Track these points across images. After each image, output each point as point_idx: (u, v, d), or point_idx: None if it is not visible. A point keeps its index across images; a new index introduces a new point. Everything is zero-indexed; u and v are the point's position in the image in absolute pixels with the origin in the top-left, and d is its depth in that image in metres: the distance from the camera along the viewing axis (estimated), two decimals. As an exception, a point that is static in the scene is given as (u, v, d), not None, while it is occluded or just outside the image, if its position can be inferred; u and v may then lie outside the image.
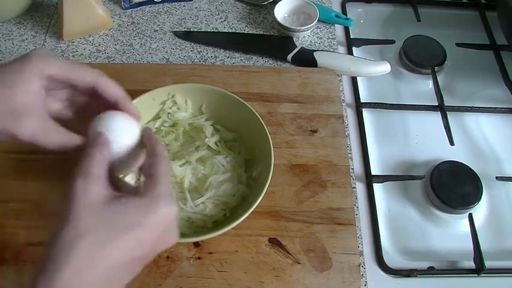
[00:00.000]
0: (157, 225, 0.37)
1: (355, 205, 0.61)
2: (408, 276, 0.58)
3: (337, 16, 0.82)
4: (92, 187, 0.37)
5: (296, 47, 0.77)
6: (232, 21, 0.83)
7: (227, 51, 0.78)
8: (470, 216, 0.62)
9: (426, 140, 0.72)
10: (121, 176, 0.47)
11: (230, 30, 0.81)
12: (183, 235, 0.53)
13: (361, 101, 0.73)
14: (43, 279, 0.32)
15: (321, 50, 0.76)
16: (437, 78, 0.76)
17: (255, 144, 0.59)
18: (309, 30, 0.79)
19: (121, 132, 0.42)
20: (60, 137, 0.42)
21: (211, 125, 0.62)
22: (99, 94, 0.43)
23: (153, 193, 0.38)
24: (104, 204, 0.36)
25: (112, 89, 0.43)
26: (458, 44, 0.83)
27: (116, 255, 0.34)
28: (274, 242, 0.56)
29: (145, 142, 0.43)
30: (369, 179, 0.65)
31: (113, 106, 0.43)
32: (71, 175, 0.38)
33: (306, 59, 0.75)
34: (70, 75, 0.42)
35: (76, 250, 0.33)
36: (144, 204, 0.37)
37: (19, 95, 0.39)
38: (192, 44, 0.79)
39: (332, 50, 0.79)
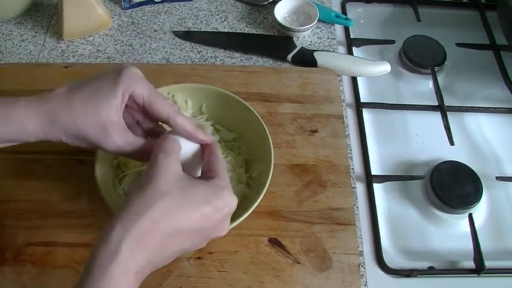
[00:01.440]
0: (221, 209, 0.41)
1: (355, 205, 0.61)
2: (408, 276, 0.58)
3: (337, 16, 0.82)
4: (171, 160, 0.41)
5: (296, 47, 0.77)
6: (232, 21, 0.83)
7: (227, 51, 0.78)
8: (470, 216, 0.62)
9: (426, 140, 0.72)
10: None
11: (230, 30, 0.81)
12: (183, 235, 0.53)
13: (361, 101, 0.73)
14: (121, 225, 0.36)
15: (321, 50, 0.76)
16: (437, 78, 0.76)
17: (255, 144, 0.59)
18: (309, 30, 0.79)
19: (184, 150, 0.46)
20: (142, 145, 0.46)
21: (211, 125, 0.62)
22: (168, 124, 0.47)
23: (219, 183, 0.42)
24: (181, 176, 0.41)
25: (182, 125, 0.46)
26: (458, 44, 0.83)
27: (186, 219, 0.39)
28: (274, 242, 0.56)
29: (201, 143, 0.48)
30: (369, 179, 0.65)
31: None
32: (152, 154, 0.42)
33: (306, 59, 0.75)
34: (152, 102, 0.46)
35: (155, 205, 0.38)
36: (213, 188, 0.42)
37: (109, 112, 0.43)
38: (192, 44, 0.79)
39: (332, 50, 0.79)
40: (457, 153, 0.69)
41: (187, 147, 0.47)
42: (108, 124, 0.43)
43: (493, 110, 0.75)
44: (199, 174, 0.48)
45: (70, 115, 0.43)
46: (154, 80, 0.68)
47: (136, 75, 0.45)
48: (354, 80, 0.76)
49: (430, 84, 0.78)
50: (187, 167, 0.45)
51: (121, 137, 0.44)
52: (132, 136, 0.46)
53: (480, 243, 0.59)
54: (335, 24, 0.83)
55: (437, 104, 0.73)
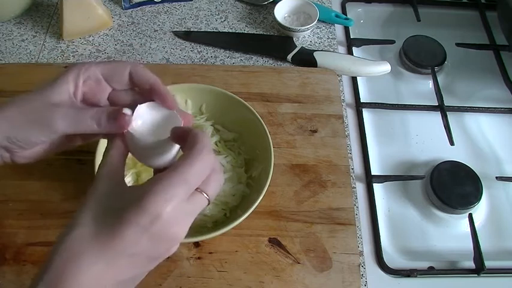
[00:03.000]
0: (147, 227, 0.34)
1: (355, 205, 0.61)
2: (408, 276, 0.58)
3: (337, 16, 0.82)
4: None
5: (296, 47, 0.77)
6: (232, 21, 0.83)
7: (227, 51, 0.78)
8: (470, 216, 0.62)
9: (426, 140, 0.72)
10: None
11: (230, 30, 0.81)
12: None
13: (361, 101, 0.73)
14: None
15: (321, 50, 0.76)
16: (437, 78, 0.76)
17: (255, 144, 0.59)
18: (309, 30, 0.79)
19: (156, 122, 0.42)
20: (92, 121, 0.41)
21: (211, 125, 0.62)
22: (136, 83, 0.44)
23: (147, 187, 0.36)
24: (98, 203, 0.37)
25: (146, 73, 0.43)
26: (458, 44, 0.83)
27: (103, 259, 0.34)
28: (274, 242, 0.56)
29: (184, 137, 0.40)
30: (369, 179, 0.65)
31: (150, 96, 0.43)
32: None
33: (306, 59, 0.75)
34: (107, 68, 0.43)
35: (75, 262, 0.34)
36: (135, 197, 0.34)
37: (55, 96, 0.42)
38: (192, 44, 0.79)
39: (332, 50, 0.79)
40: (457, 153, 0.69)
41: (160, 121, 0.42)
42: (56, 105, 0.42)
43: (493, 110, 0.75)
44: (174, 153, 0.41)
45: (12, 104, 0.42)
46: (154, 80, 0.69)
47: (82, 63, 0.44)
48: (354, 80, 0.76)
49: (430, 84, 0.78)
50: (160, 147, 0.40)
51: (68, 114, 0.41)
52: (84, 110, 0.42)
53: (480, 243, 0.59)
54: (335, 24, 0.83)
55: (437, 104, 0.73)
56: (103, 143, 0.54)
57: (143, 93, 0.44)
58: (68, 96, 0.42)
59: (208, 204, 0.38)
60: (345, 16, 0.83)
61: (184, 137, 0.38)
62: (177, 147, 0.40)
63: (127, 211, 0.33)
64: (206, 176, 0.37)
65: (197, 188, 0.36)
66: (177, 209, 0.34)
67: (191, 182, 0.35)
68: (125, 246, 0.33)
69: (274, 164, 0.55)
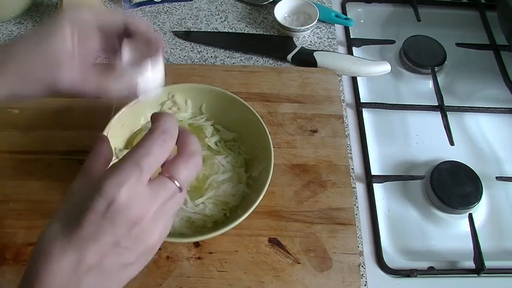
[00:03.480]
0: (103, 211, 0.34)
1: (355, 205, 0.61)
2: (408, 276, 0.58)
3: (337, 16, 0.82)
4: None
5: (296, 47, 0.77)
6: (232, 21, 0.83)
7: (227, 51, 0.78)
8: (470, 216, 0.62)
9: (426, 140, 0.72)
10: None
11: (230, 30, 0.81)
12: (183, 235, 0.53)
13: (361, 101, 0.73)
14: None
15: (321, 50, 0.76)
16: (437, 78, 0.76)
17: (255, 144, 0.59)
18: (309, 30, 0.79)
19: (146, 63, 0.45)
20: (98, 82, 0.44)
21: (211, 125, 0.62)
22: (129, 31, 0.46)
23: (109, 172, 0.36)
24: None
25: (140, 22, 0.46)
26: (458, 44, 0.83)
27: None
28: (274, 242, 0.56)
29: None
30: (369, 179, 0.65)
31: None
32: None
33: (306, 59, 0.75)
34: (101, 17, 0.45)
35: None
36: (92, 184, 0.35)
37: (55, 44, 0.42)
38: (192, 44, 0.79)
39: (332, 50, 0.79)
40: (457, 153, 0.69)
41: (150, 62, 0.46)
42: (59, 58, 0.42)
43: (493, 110, 0.75)
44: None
45: (16, 61, 0.42)
46: (154, 80, 0.69)
47: (76, 8, 0.46)
48: (354, 80, 0.76)
49: (430, 84, 0.78)
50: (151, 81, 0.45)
51: (72, 70, 0.42)
52: (91, 70, 0.44)
53: (480, 243, 0.59)
54: (335, 24, 0.83)
55: (437, 104, 0.73)
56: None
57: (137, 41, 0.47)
58: (66, 47, 0.42)
59: (181, 191, 0.36)
60: (345, 16, 0.83)
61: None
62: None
63: (87, 199, 0.33)
64: (159, 160, 0.35)
65: (164, 174, 0.36)
66: (133, 192, 0.33)
67: (142, 164, 0.34)
68: (88, 233, 0.33)
69: (274, 164, 0.55)
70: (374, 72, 0.73)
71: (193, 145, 0.38)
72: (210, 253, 0.55)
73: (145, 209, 0.34)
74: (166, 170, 0.36)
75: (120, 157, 0.58)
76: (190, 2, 0.85)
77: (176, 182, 0.36)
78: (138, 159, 0.35)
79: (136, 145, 0.35)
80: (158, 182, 0.36)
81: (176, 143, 0.38)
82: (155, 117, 0.37)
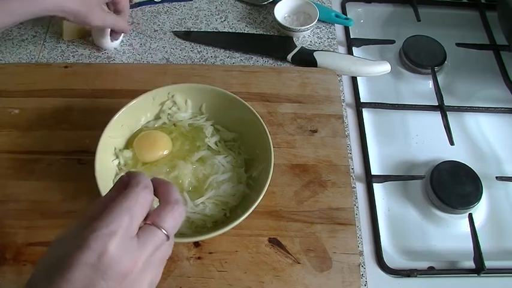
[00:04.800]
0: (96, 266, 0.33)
1: (355, 205, 0.61)
2: (408, 276, 0.58)
3: (337, 16, 0.82)
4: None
5: (296, 47, 0.77)
6: (232, 21, 0.83)
7: (227, 51, 0.78)
8: (470, 216, 0.62)
9: (426, 140, 0.72)
10: None
11: (230, 30, 0.81)
12: (183, 235, 0.53)
13: (361, 101, 0.73)
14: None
15: (321, 50, 0.76)
16: (437, 78, 0.76)
17: (255, 144, 0.59)
18: (309, 30, 0.79)
19: None
20: (116, 20, 0.69)
21: (211, 125, 0.62)
22: None
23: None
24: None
25: None
26: (458, 44, 0.83)
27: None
28: (274, 242, 0.56)
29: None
30: (369, 179, 0.65)
31: None
32: None
33: (306, 59, 0.75)
34: None
35: None
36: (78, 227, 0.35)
37: None
38: (192, 44, 0.79)
39: (332, 50, 0.79)
40: (457, 153, 0.69)
41: None
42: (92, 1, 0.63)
43: (493, 110, 0.75)
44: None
45: None
46: (154, 80, 0.69)
47: None
48: (354, 80, 0.76)
49: (430, 84, 0.78)
50: None
51: (102, 12, 0.66)
52: (108, 13, 0.69)
53: (480, 243, 0.59)
54: (335, 24, 0.83)
55: (437, 104, 0.73)
56: (103, 144, 0.54)
57: None
58: None
59: (168, 239, 0.37)
60: (345, 16, 0.83)
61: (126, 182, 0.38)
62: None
63: (74, 250, 0.33)
64: (145, 211, 0.36)
65: (150, 223, 0.36)
66: (123, 242, 0.33)
67: (133, 212, 0.35)
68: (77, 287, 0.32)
69: (274, 164, 0.55)
70: (374, 72, 0.73)
71: (174, 194, 0.38)
72: (210, 253, 0.55)
73: (135, 259, 0.34)
74: (152, 219, 0.36)
75: (120, 157, 0.58)
76: (190, 2, 0.85)
77: (163, 230, 0.36)
78: (129, 207, 0.35)
79: (122, 196, 0.35)
80: (146, 231, 0.36)
81: (157, 194, 0.38)
82: (132, 175, 0.38)
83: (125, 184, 0.38)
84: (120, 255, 0.33)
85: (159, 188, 0.39)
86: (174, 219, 0.37)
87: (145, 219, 0.37)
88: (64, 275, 0.32)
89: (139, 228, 0.36)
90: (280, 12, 0.80)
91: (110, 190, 0.39)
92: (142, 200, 0.36)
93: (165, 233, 0.36)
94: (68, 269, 0.32)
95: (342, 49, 0.81)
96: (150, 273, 0.36)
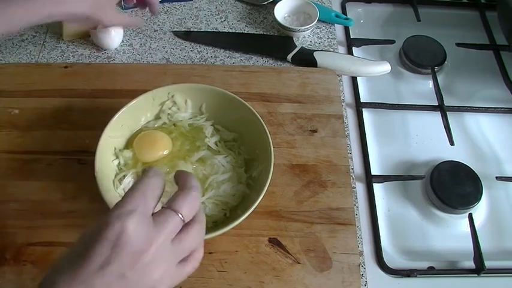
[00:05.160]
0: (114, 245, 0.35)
1: (355, 205, 0.61)
2: (408, 276, 0.58)
3: (337, 16, 0.82)
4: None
5: (296, 47, 0.77)
6: (232, 21, 0.83)
7: (227, 51, 0.78)
8: (470, 216, 0.62)
9: (426, 140, 0.72)
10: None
11: (230, 30, 0.81)
12: (183, 235, 0.53)
13: (361, 101, 0.73)
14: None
15: (321, 50, 0.76)
16: (437, 78, 0.76)
17: (255, 144, 0.59)
18: (309, 30, 0.79)
19: None
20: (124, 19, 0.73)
21: (211, 125, 0.62)
22: None
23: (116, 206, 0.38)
24: None
25: None
26: (458, 44, 0.83)
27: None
28: (274, 242, 0.56)
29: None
30: (369, 179, 0.65)
31: None
32: None
33: (306, 59, 0.75)
34: None
35: None
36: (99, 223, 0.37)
37: None
38: (192, 44, 0.79)
39: (332, 50, 0.79)
40: (457, 153, 0.69)
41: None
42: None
43: (493, 110, 0.75)
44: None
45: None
46: (154, 80, 0.69)
47: None
48: (354, 80, 0.76)
49: (430, 84, 0.78)
50: None
51: (114, 12, 0.66)
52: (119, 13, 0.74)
53: (480, 243, 0.59)
54: (335, 24, 0.83)
55: (437, 104, 0.73)
56: (103, 144, 0.54)
57: None
58: None
59: (184, 223, 0.39)
60: (345, 16, 0.83)
61: None
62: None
63: (95, 232, 0.35)
64: (159, 194, 0.39)
65: (166, 206, 0.38)
66: (140, 222, 0.35)
67: (147, 194, 0.38)
68: (96, 265, 0.34)
69: (274, 164, 0.55)
70: (374, 72, 0.73)
71: (192, 181, 0.41)
72: (210, 253, 0.55)
73: (151, 238, 0.36)
74: (168, 204, 0.39)
75: (120, 157, 0.59)
76: (190, 2, 0.85)
77: (179, 213, 0.38)
78: (143, 190, 0.38)
79: (137, 181, 0.39)
80: (161, 214, 0.38)
81: (177, 182, 0.41)
82: (147, 169, 0.41)
83: None
84: (136, 233, 0.35)
85: (179, 178, 0.41)
86: (188, 203, 0.39)
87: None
88: (88, 253, 0.34)
89: (156, 213, 0.38)
90: (280, 12, 0.80)
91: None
92: (152, 184, 0.39)
93: (181, 216, 0.38)
94: (92, 247, 0.34)
95: (342, 49, 0.81)
96: (165, 261, 0.37)
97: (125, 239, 0.34)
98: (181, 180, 0.41)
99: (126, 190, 0.39)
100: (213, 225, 0.54)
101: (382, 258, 0.58)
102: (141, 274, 0.35)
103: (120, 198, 0.38)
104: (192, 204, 0.39)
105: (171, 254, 0.38)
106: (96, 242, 0.34)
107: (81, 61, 0.75)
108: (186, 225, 0.39)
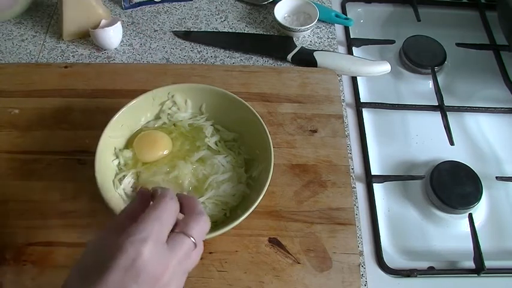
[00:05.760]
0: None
1: (355, 205, 0.61)
2: (408, 276, 0.58)
3: (337, 16, 0.82)
4: None
5: (296, 46, 0.77)
6: (232, 21, 0.83)
7: (227, 51, 0.78)
8: (470, 216, 0.62)
9: (426, 140, 0.72)
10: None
11: (230, 30, 0.81)
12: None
13: (361, 101, 0.73)
14: None
15: (321, 50, 0.76)
16: (437, 78, 0.76)
17: (255, 144, 0.59)
18: (309, 30, 0.79)
19: None
20: None
21: (211, 125, 0.62)
22: None
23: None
24: None
25: None
26: (458, 44, 0.83)
27: None
28: (274, 242, 0.56)
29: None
30: (369, 179, 0.65)
31: None
32: None
33: (306, 59, 0.75)
34: None
35: None
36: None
37: None
38: (192, 44, 0.79)
39: (332, 50, 0.79)
40: (457, 153, 0.69)
41: None
42: None
43: (493, 110, 0.75)
44: None
45: None
46: (154, 80, 0.69)
47: None
48: (354, 80, 0.76)
49: (430, 84, 0.78)
50: None
51: None
52: None
53: (480, 243, 0.59)
54: (335, 24, 0.83)
55: (437, 104, 0.73)
56: (103, 144, 0.54)
57: None
58: None
59: (196, 247, 0.39)
60: (344, 16, 0.83)
61: (150, 197, 0.42)
62: None
63: (110, 255, 0.35)
64: (173, 219, 0.39)
65: (179, 231, 0.39)
66: (155, 248, 0.36)
67: (163, 219, 0.38)
68: None
69: (274, 164, 0.55)
70: (374, 72, 0.73)
71: (198, 206, 0.42)
72: (210, 253, 0.55)
73: (166, 264, 0.36)
74: (180, 228, 0.39)
75: (120, 157, 0.59)
76: (190, 2, 0.85)
77: (191, 237, 0.39)
78: (159, 216, 0.38)
79: (152, 206, 0.39)
80: (175, 238, 0.38)
81: (182, 207, 0.41)
82: (157, 189, 0.41)
83: (147, 196, 0.42)
84: (153, 259, 0.35)
85: (183, 202, 0.42)
86: (200, 228, 0.40)
87: (173, 229, 0.39)
88: (102, 277, 0.34)
89: (169, 237, 0.38)
90: (280, 12, 0.80)
91: (132, 202, 0.43)
92: (170, 209, 0.39)
93: (193, 240, 0.39)
94: (105, 272, 0.34)
95: (342, 49, 0.81)
96: (177, 280, 0.38)
97: (141, 266, 0.34)
98: (187, 205, 0.42)
99: (127, 191, 0.39)
100: (213, 225, 0.54)
101: (382, 258, 0.58)
102: None
103: (122, 200, 0.38)
104: (202, 228, 0.40)
105: (182, 273, 0.39)
106: (110, 267, 0.34)
107: (81, 61, 0.75)
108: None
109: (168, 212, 0.39)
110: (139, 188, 0.44)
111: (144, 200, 0.42)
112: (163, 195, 0.40)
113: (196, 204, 0.42)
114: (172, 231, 0.39)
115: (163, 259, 0.36)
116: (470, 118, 0.75)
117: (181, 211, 0.41)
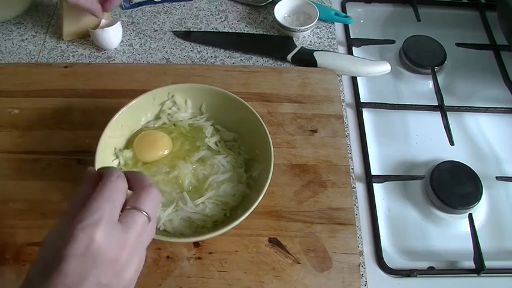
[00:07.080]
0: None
1: (355, 205, 0.61)
2: (408, 276, 0.58)
3: (336, 14, 0.82)
4: None
5: (296, 46, 0.77)
6: (232, 21, 0.83)
7: (227, 51, 0.78)
8: (470, 216, 0.62)
9: (426, 140, 0.72)
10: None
11: (230, 30, 0.81)
12: (183, 235, 0.53)
13: (361, 101, 0.73)
14: None
15: (321, 50, 0.76)
16: (437, 78, 0.76)
17: (255, 144, 0.59)
18: (309, 30, 0.79)
19: None
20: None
21: (211, 125, 0.62)
22: None
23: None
24: None
25: None
26: (458, 44, 0.83)
27: None
28: (274, 242, 0.56)
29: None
30: (369, 179, 0.65)
31: None
32: None
33: (306, 59, 0.75)
34: None
35: None
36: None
37: None
38: (192, 44, 0.79)
39: (332, 50, 0.79)
40: (457, 153, 0.69)
41: None
42: None
43: (493, 110, 0.75)
44: None
45: None
46: (154, 80, 0.69)
47: None
48: (354, 80, 0.76)
49: (430, 84, 0.78)
50: None
51: None
52: None
53: (480, 243, 0.59)
54: (335, 24, 0.83)
55: (437, 104, 0.73)
56: (103, 144, 0.54)
57: None
58: None
59: (149, 221, 0.38)
60: (344, 14, 0.83)
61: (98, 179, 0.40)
62: None
63: (63, 244, 0.34)
64: (123, 198, 0.38)
65: (130, 207, 0.38)
66: (108, 229, 0.35)
67: (114, 198, 0.37)
68: (72, 279, 0.33)
69: (274, 164, 0.55)
70: (374, 72, 0.73)
71: (147, 179, 0.40)
72: (210, 253, 0.55)
73: (122, 243, 0.35)
74: (131, 204, 0.38)
75: (120, 157, 0.58)
76: (190, 2, 0.85)
77: (144, 212, 0.38)
78: (109, 195, 0.36)
79: (100, 187, 0.37)
80: (127, 216, 0.37)
81: (130, 184, 0.40)
82: (104, 169, 0.40)
83: (95, 178, 0.40)
84: (108, 241, 0.34)
85: (131, 177, 0.40)
86: (152, 201, 0.39)
87: (125, 206, 0.38)
88: (58, 268, 0.33)
89: (121, 215, 0.37)
90: (280, 12, 0.80)
91: (82, 185, 0.40)
92: (119, 187, 0.38)
93: (146, 214, 0.38)
94: (60, 262, 0.33)
95: (341, 49, 0.81)
96: (136, 257, 0.37)
97: (96, 250, 0.34)
98: (135, 180, 0.40)
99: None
100: (213, 225, 0.54)
101: (382, 258, 0.58)
102: (119, 277, 0.36)
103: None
104: (154, 201, 0.39)
105: (141, 248, 0.38)
106: (66, 257, 0.33)
107: (81, 61, 0.75)
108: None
109: (117, 191, 0.37)
110: (86, 170, 0.42)
111: (92, 183, 0.39)
112: (110, 173, 0.39)
113: (145, 178, 0.40)
114: (123, 208, 0.38)
115: (118, 239, 0.35)
116: (470, 118, 0.75)
117: (130, 188, 0.40)
